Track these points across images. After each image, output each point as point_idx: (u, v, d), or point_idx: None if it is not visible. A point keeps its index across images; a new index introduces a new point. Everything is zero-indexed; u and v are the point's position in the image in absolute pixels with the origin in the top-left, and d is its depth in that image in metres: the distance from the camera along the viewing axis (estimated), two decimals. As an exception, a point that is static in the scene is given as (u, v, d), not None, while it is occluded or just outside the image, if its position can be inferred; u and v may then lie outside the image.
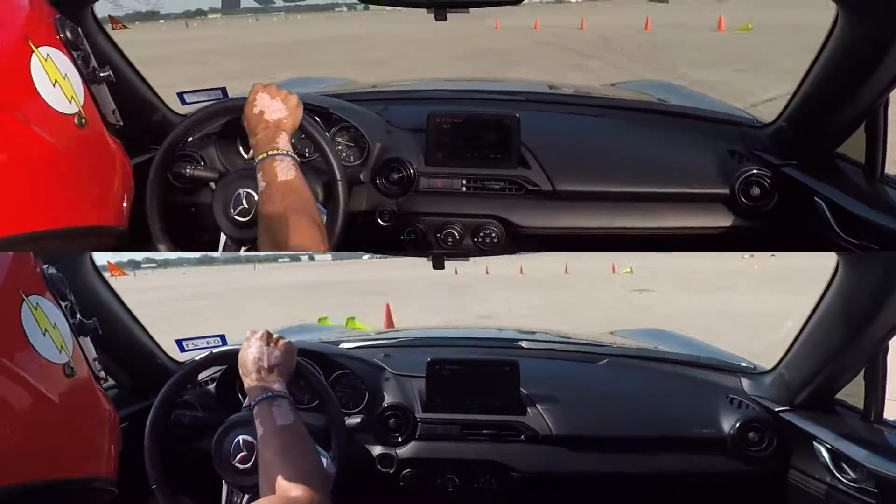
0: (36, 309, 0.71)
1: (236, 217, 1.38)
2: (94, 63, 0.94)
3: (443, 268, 1.64)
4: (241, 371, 1.29)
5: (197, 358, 1.52)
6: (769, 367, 1.72)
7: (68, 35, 0.87)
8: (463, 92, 1.97)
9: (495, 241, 1.68)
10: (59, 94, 0.79)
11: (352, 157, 1.65)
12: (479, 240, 1.68)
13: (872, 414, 1.45)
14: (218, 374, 1.69)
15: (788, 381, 1.61)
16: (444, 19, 1.30)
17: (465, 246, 1.69)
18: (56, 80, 0.79)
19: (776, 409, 1.59)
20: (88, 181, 0.87)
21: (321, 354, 1.67)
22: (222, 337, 1.71)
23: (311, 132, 1.43)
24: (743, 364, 1.87)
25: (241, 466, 1.34)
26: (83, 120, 0.83)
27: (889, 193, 1.39)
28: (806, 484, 1.49)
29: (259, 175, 1.23)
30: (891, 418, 1.48)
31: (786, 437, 1.56)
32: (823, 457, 1.42)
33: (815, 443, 1.44)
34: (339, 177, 1.42)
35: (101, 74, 0.94)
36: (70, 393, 0.73)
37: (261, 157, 1.24)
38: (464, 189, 1.67)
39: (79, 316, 0.82)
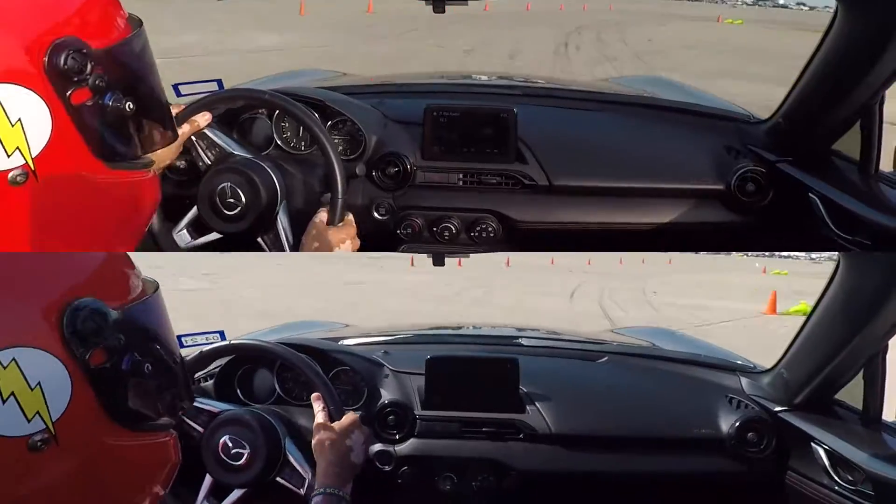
0: (5, 368, 0.56)
1: (224, 210, 1.38)
2: (113, 93, 0.77)
3: (443, 264, 1.64)
4: (321, 441, 1.30)
5: (193, 355, 1.52)
6: (768, 366, 1.72)
7: (68, 64, 0.70)
8: (459, 85, 1.97)
9: (492, 235, 1.68)
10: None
11: (348, 151, 1.65)
12: (476, 234, 1.68)
13: (871, 414, 1.45)
14: (216, 370, 1.69)
15: (788, 380, 1.61)
16: (443, 11, 1.30)
17: (461, 240, 1.69)
18: None
19: (775, 410, 1.58)
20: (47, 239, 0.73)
21: (320, 351, 1.67)
22: (221, 333, 1.72)
23: (310, 125, 1.43)
24: (742, 363, 1.87)
25: (232, 463, 1.35)
26: (24, 177, 0.68)
27: (883, 190, 1.39)
28: (804, 485, 1.49)
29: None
30: (890, 418, 1.48)
31: (784, 437, 1.55)
32: (822, 458, 1.42)
33: (813, 444, 1.44)
34: (337, 170, 1.42)
35: (113, 106, 0.77)
36: (30, 467, 0.59)
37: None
38: (460, 183, 1.67)
39: (133, 356, 0.67)
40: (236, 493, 1.38)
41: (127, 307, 0.66)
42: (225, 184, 1.38)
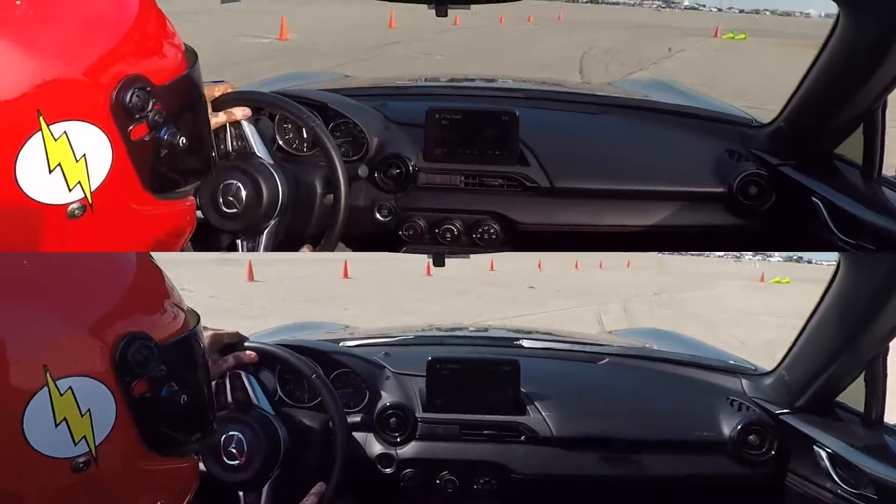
0: (62, 396, 0.60)
1: (223, 208, 1.37)
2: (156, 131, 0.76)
3: (443, 265, 1.64)
4: None
5: None
6: (769, 368, 1.72)
7: (134, 102, 0.70)
8: (462, 88, 1.98)
9: (494, 237, 1.68)
10: (53, 181, 0.66)
11: (350, 153, 1.65)
12: (478, 236, 1.68)
13: (873, 417, 1.45)
14: None
15: (789, 382, 1.61)
16: (445, 15, 1.30)
17: (463, 242, 1.69)
18: (60, 162, 0.66)
19: (776, 412, 1.58)
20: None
21: (321, 353, 1.67)
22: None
23: (312, 126, 1.43)
24: (743, 365, 1.87)
25: (230, 463, 1.34)
26: (81, 210, 0.69)
27: (886, 194, 1.40)
28: (805, 488, 1.49)
29: None
30: (891, 420, 1.48)
31: (786, 440, 1.55)
32: (823, 460, 1.42)
33: (815, 446, 1.44)
34: (340, 171, 1.42)
35: (167, 141, 0.77)
36: (74, 487, 0.63)
37: None
38: (462, 185, 1.68)
39: (172, 386, 0.70)
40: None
41: (171, 340, 0.70)
42: (232, 181, 1.37)
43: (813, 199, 1.45)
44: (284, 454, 1.40)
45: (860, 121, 1.38)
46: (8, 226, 0.66)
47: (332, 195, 1.45)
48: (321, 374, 1.50)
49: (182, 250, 1.50)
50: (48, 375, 0.59)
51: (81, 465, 0.62)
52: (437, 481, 1.62)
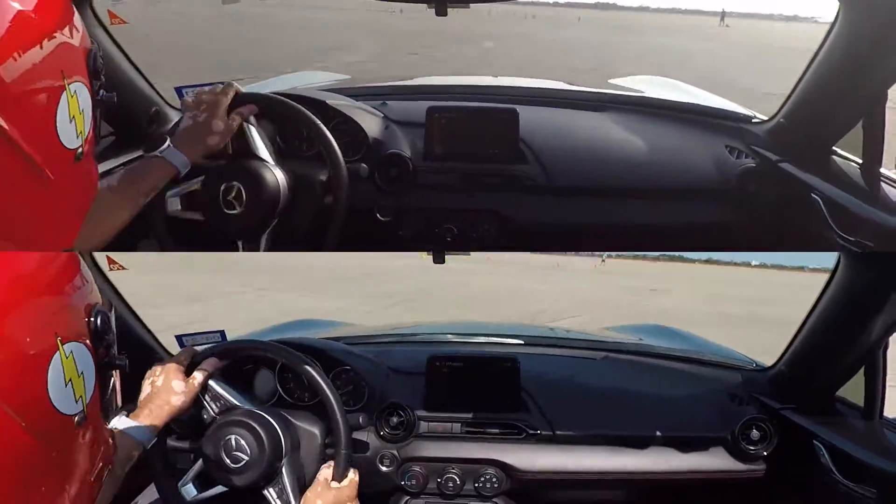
0: (67, 358, 0.67)
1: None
2: (104, 91, 0.90)
3: (443, 262, 1.63)
4: (316, 496, 1.28)
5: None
6: (770, 364, 1.72)
7: (97, 65, 0.84)
8: (461, 87, 1.97)
9: (493, 235, 1.67)
10: (72, 130, 0.78)
11: (350, 152, 1.65)
12: (477, 234, 1.68)
13: (872, 411, 1.46)
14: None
15: (789, 378, 1.61)
16: (445, 14, 1.30)
17: (463, 240, 1.68)
18: (74, 116, 0.78)
19: (777, 407, 1.59)
20: (75, 210, 0.85)
21: (322, 351, 1.67)
22: (222, 333, 1.71)
23: (313, 123, 1.42)
24: (743, 361, 1.87)
25: (233, 466, 1.34)
26: (82, 154, 0.81)
27: (886, 191, 1.39)
28: (806, 482, 1.49)
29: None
30: (891, 415, 1.48)
31: (786, 435, 1.56)
32: (823, 455, 1.42)
33: (815, 441, 1.44)
34: (340, 171, 1.41)
35: (107, 97, 0.89)
36: (73, 442, 0.70)
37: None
38: (462, 184, 1.67)
39: (114, 350, 0.78)
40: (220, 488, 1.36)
41: (108, 311, 0.78)
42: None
43: (812, 195, 1.45)
44: (286, 454, 1.39)
45: (860, 116, 1.38)
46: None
47: (332, 195, 1.45)
48: (322, 373, 1.50)
49: (184, 250, 1.51)
50: (58, 341, 0.66)
51: (78, 421, 0.69)
52: (438, 479, 1.62)
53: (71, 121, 0.77)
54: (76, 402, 0.68)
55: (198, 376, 1.32)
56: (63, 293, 0.71)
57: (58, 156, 0.77)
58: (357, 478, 1.33)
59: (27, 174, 0.73)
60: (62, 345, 0.67)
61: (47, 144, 0.74)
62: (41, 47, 0.73)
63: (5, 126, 0.68)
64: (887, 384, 1.45)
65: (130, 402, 1.27)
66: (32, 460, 0.64)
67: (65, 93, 0.76)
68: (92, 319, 0.73)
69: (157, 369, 1.30)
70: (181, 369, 1.31)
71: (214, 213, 1.40)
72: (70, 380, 0.67)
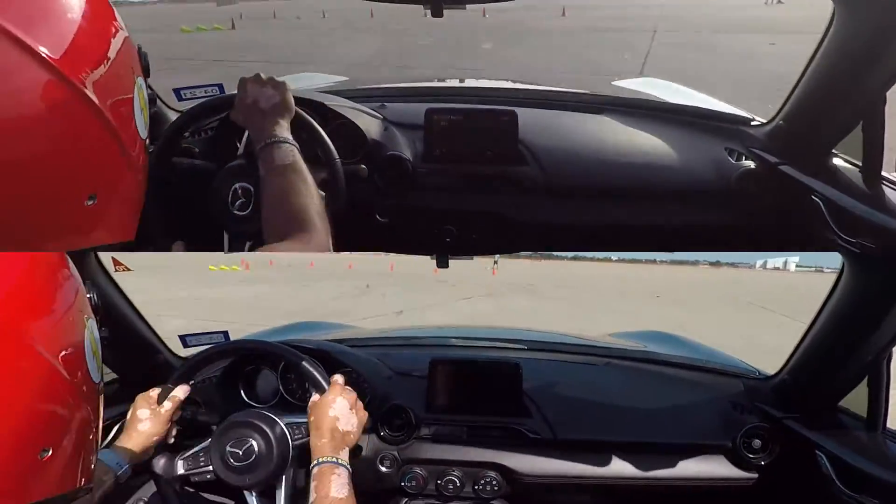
0: (91, 333, 0.73)
1: (236, 212, 1.37)
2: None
3: (447, 266, 1.63)
4: (310, 419, 1.25)
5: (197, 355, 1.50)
6: (772, 372, 1.72)
7: (146, 64, 0.93)
8: (460, 88, 1.97)
9: (492, 236, 1.67)
10: (142, 120, 0.83)
11: (349, 154, 1.65)
12: (476, 236, 1.68)
13: (875, 421, 1.45)
14: (219, 370, 1.69)
15: (791, 387, 1.61)
16: (441, 15, 1.29)
17: (462, 243, 1.68)
18: (143, 108, 0.84)
19: (779, 416, 1.58)
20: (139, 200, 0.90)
21: (324, 353, 1.67)
22: (225, 333, 1.71)
23: (309, 121, 1.42)
24: (746, 369, 1.86)
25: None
26: (148, 146, 0.86)
27: (887, 193, 1.39)
28: (807, 492, 1.48)
29: (260, 164, 1.21)
30: (894, 425, 1.47)
31: (788, 444, 1.55)
32: (825, 465, 1.41)
33: (817, 451, 1.44)
34: (338, 172, 1.42)
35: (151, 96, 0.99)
36: (97, 410, 0.75)
37: (260, 145, 1.23)
38: (461, 186, 1.67)
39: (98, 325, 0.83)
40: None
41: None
42: (237, 185, 1.37)
43: (813, 197, 1.44)
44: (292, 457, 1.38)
45: (859, 118, 1.37)
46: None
47: (330, 195, 1.45)
48: (323, 373, 1.50)
49: (188, 251, 1.51)
50: (85, 318, 0.73)
51: (100, 392, 0.75)
52: (439, 482, 1.62)
53: (140, 111, 0.82)
54: (98, 371, 0.75)
55: (166, 404, 1.32)
56: (74, 273, 0.76)
57: (136, 140, 0.81)
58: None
59: (115, 154, 0.77)
60: (87, 320, 0.73)
61: (129, 128, 0.79)
62: (120, 37, 0.78)
63: (96, 102, 0.71)
64: (891, 394, 1.44)
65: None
66: (82, 425, 0.70)
67: (136, 84, 0.81)
68: (91, 296, 0.78)
69: (137, 400, 1.33)
70: (150, 398, 1.32)
71: (222, 213, 1.40)
72: (94, 351, 0.73)
